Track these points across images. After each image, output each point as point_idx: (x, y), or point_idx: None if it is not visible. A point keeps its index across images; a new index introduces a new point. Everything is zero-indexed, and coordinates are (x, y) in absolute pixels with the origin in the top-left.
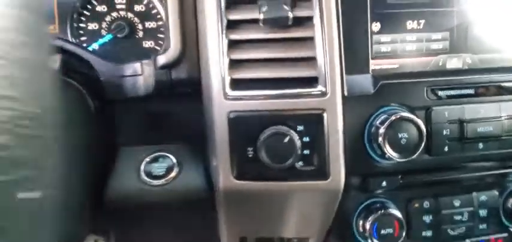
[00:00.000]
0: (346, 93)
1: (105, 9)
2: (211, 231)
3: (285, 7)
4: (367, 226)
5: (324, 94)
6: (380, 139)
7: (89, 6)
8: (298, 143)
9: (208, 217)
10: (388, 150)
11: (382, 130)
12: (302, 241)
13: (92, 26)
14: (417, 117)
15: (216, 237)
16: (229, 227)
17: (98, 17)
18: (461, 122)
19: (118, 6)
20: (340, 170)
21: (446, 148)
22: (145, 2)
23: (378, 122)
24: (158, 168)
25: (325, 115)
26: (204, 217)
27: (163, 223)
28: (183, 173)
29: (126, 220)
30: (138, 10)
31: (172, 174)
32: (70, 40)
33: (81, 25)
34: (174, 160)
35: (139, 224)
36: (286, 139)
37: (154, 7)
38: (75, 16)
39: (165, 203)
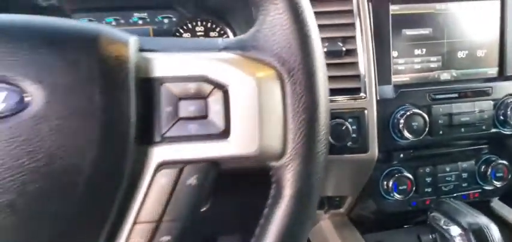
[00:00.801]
0: (378, 98)
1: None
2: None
3: (339, 44)
4: (390, 184)
5: (365, 98)
6: (400, 126)
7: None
8: (350, 129)
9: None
10: (406, 133)
11: (402, 121)
12: (342, 198)
13: None
14: (423, 112)
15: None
16: None
17: None
18: (450, 115)
19: (198, 34)
20: (375, 146)
21: (441, 132)
22: (217, 30)
23: (398, 115)
24: None
25: (365, 111)
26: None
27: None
28: None
29: None
30: (212, 36)
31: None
32: None
33: None
34: None
35: None
36: (344, 127)
37: (225, 33)
38: None
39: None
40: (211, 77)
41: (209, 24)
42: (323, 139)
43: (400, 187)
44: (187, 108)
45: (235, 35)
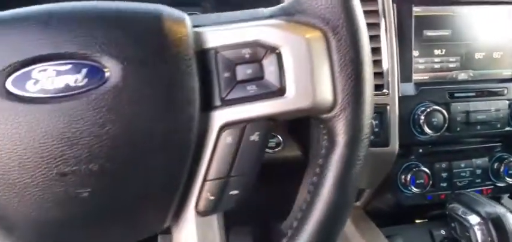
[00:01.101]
0: (400, 95)
1: None
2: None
3: None
4: (408, 178)
5: (387, 95)
6: (421, 121)
7: None
8: (373, 124)
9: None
10: (426, 129)
11: (422, 117)
12: (361, 191)
13: None
14: (442, 109)
15: None
16: None
17: None
18: (467, 112)
19: None
20: (396, 141)
21: (458, 128)
22: None
23: (419, 112)
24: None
25: (388, 107)
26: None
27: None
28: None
29: None
30: None
31: (279, 148)
32: None
33: None
34: (280, 138)
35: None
36: None
37: None
38: None
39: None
40: (263, 41)
41: None
42: (369, 88)
43: (418, 181)
44: (244, 72)
45: None
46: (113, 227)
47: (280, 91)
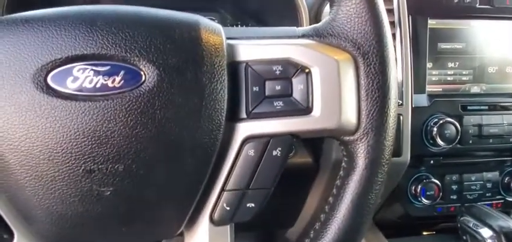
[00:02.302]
0: (413, 105)
1: None
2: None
3: None
4: (418, 189)
5: (401, 105)
6: (433, 133)
7: None
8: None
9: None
10: (439, 141)
11: (435, 129)
12: None
13: None
14: (455, 121)
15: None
16: None
17: None
18: (480, 126)
19: None
20: (408, 151)
21: (470, 141)
22: None
23: (431, 123)
24: None
25: (401, 117)
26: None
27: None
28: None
29: None
30: None
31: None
32: None
33: None
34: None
35: None
36: None
37: None
38: None
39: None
40: (294, 60)
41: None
42: (393, 114)
43: (428, 193)
44: (273, 87)
45: None
46: (130, 228)
47: (307, 110)
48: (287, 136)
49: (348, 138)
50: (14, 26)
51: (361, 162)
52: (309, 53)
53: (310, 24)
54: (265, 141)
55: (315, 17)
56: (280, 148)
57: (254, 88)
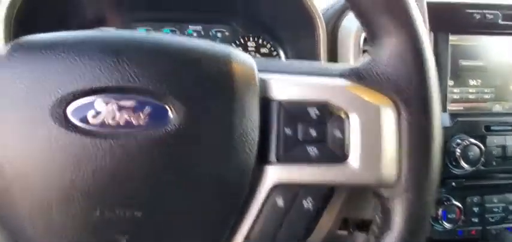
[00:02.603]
0: None
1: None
2: None
3: None
4: (439, 212)
5: None
6: (457, 155)
7: None
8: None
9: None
10: (462, 163)
11: (458, 150)
12: None
13: None
14: (478, 142)
15: None
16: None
17: None
18: (503, 147)
19: (250, 49)
20: None
21: (494, 163)
22: (268, 46)
23: (454, 144)
24: None
25: None
26: None
27: None
28: None
29: None
30: (263, 52)
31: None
32: None
33: None
34: None
35: None
36: None
37: (276, 50)
38: None
39: None
40: (332, 103)
41: (260, 40)
42: (436, 170)
43: (449, 216)
44: (307, 131)
45: (285, 52)
46: None
47: (342, 159)
48: (319, 188)
49: (384, 192)
50: (33, 51)
51: (398, 219)
52: (348, 96)
53: (327, 39)
54: (295, 191)
55: (332, 31)
56: (311, 199)
57: (286, 131)
